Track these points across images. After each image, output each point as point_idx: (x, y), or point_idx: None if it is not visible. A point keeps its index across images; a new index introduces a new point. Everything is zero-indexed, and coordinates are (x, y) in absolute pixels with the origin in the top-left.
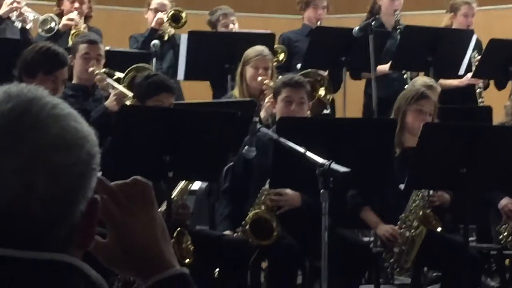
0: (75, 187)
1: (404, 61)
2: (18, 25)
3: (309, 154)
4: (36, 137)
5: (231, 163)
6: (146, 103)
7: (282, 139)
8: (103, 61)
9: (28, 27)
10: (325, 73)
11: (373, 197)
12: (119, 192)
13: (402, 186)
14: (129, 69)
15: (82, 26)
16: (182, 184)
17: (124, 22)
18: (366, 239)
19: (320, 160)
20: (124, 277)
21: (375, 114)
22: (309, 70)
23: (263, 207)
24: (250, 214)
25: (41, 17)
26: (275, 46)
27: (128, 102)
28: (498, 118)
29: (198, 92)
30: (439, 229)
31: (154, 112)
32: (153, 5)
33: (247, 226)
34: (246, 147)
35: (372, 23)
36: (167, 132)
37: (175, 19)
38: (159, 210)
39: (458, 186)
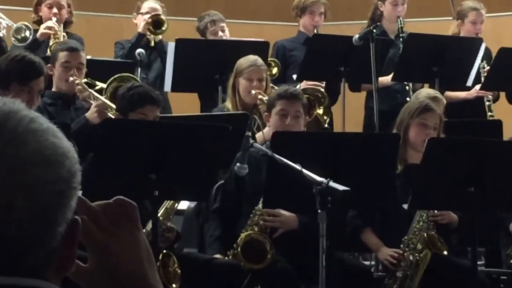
0: (55, 206)
1: (408, 72)
2: None
3: (305, 171)
4: (13, 153)
5: (222, 181)
6: (129, 116)
7: (276, 155)
8: (84, 70)
9: (0, 34)
10: (323, 85)
11: (374, 218)
12: (101, 213)
13: (405, 206)
14: (111, 78)
15: (61, 35)
16: (168, 203)
17: (106, 29)
18: (366, 263)
19: (317, 178)
20: None
21: (376, 128)
22: (308, 86)
23: (256, 229)
24: (242, 235)
25: (15, 25)
26: (269, 59)
27: (110, 115)
28: (508, 132)
29: (186, 104)
30: (445, 252)
31: (138, 126)
32: (143, 9)
33: (239, 249)
34: (238, 164)
35: (374, 31)
36: (152, 148)
37: (156, 25)
38: (143, 230)
39: (466, 206)
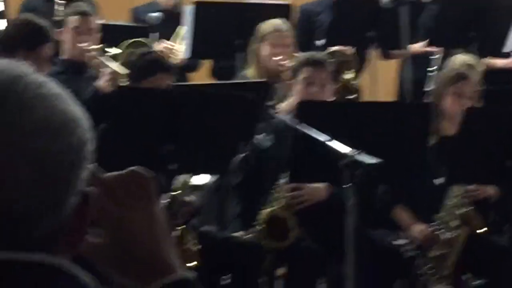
0: (64, 177)
1: (443, 37)
2: None
3: (332, 143)
4: (20, 120)
5: (243, 154)
6: (142, 85)
7: (301, 126)
8: (97, 35)
9: None
10: (352, 51)
11: (405, 193)
12: (114, 185)
13: (438, 181)
14: (125, 44)
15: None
16: (183, 177)
17: None
18: (398, 242)
19: (345, 149)
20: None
21: (408, 98)
22: (334, 49)
23: (279, 205)
24: (265, 212)
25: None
26: None
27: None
28: None
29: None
30: (482, 230)
31: (152, 95)
32: None
33: (261, 226)
34: (260, 135)
35: None
36: (168, 118)
37: None
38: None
39: (504, 180)
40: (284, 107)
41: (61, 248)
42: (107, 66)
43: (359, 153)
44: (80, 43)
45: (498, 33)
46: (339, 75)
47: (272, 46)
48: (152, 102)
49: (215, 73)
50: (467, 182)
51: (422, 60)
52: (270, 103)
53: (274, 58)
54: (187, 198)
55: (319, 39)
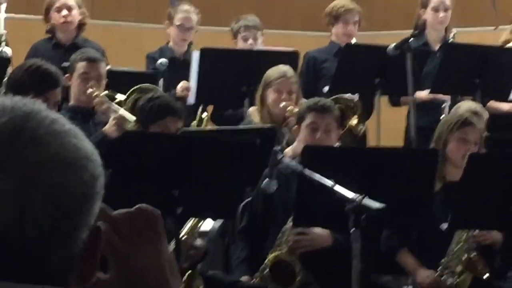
0: (77, 211)
1: (447, 84)
2: None
3: (338, 187)
4: (33, 155)
5: (249, 199)
6: (150, 129)
7: (307, 171)
8: (104, 81)
9: None
10: (356, 98)
11: (411, 238)
12: (123, 222)
13: (444, 226)
14: (131, 90)
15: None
16: (191, 222)
17: (124, 38)
18: (403, 287)
19: (350, 194)
20: None
21: (414, 144)
22: (340, 95)
23: (284, 249)
24: (270, 256)
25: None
26: None
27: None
28: None
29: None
30: (486, 275)
31: (160, 139)
32: (177, 21)
33: (267, 271)
34: (266, 180)
35: (410, 40)
36: (175, 163)
37: None
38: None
39: (509, 226)
40: (290, 152)
41: (73, 282)
42: (114, 111)
43: (364, 197)
44: (88, 89)
45: (503, 80)
46: (344, 121)
47: (278, 92)
48: (160, 146)
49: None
50: (471, 227)
51: (428, 107)
52: (276, 148)
53: (280, 104)
54: (194, 242)
55: (324, 86)
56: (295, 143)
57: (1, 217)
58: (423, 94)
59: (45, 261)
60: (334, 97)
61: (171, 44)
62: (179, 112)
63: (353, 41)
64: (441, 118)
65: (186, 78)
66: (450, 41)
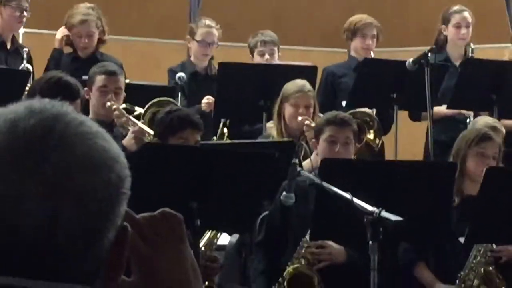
0: (104, 213)
1: (464, 99)
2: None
3: (356, 200)
4: (62, 157)
5: (266, 212)
6: (169, 141)
7: (325, 184)
8: (122, 95)
9: None
10: (373, 113)
11: (428, 252)
12: (146, 225)
13: (462, 240)
14: (149, 103)
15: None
16: (209, 234)
17: (143, 54)
18: None
19: (368, 207)
20: None
21: (432, 159)
22: (357, 110)
23: (303, 262)
24: (288, 269)
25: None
26: None
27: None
28: None
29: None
30: None
31: (179, 152)
32: (199, 36)
33: (285, 283)
34: (284, 193)
35: (429, 54)
36: (194, 175)
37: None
38: None
39: None
40: (308, 165)
41: (101, 283)
42: (133, 124)
43: (382, 210)
44: (107, 102)
45: None
46: (361, 135)
47: (295, 106)
48: (179, 159)
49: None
50: (489, 242)
51: (448, 122)
52: (294, 161)
53: (299, 118)
54: (212, 254)
55: (342, 101)
56: (313, 156)
57: (30, 220)
58: (443, 109)
59: (72, 262)
60: (351, 111)
61: (192, 58)
62: (198, 124)
63: (371, 56)
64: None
65: (208, 92)
66: (470, 56)
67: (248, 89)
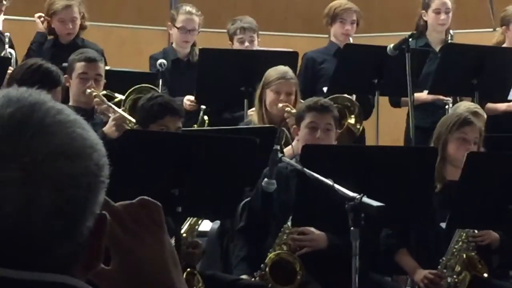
0: (82, 200)
1: (445, 84)
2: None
3: (337, 186)
4: (40, 145)
5: (248, 199)
6: (150, 128)
7: (306, 170)
8: (102, 82)
9: None
10: (354, 98)
11: (410, 237)
12: (125, 213)
13: (443, 225)
14: (130, 90)
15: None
16: (191, 220)
17: (124, 40)
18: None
19: (350, 193)
20: None
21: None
22: (338, 95)
23: (284, 248)
24: (270, 255)
25: None
26: None
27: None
28: None
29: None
30: (485, 274)
31: (160, 138)
32: (179, 23)
33: (267, 269)
34: (265, 179)
35: (410, 40)
36: (175, 162)
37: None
38: None
39: (508, 224)
40: (289, 151)
41: (79, 270)
42: (114, 112)
43: (364, 196)
44: (87, 89)
45: (500, 81)
46: (343, 120)
47: (276, 92)
48: (160, 145)
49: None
50: (470, 227)
51: (428, 108)
52: (275, 147)
53: (279, 104)
54: (194, 240)
55: (323, 87)
56: (294, 143)
57: (7, 207)
58: (424, 95)
59: (51, 249)
60: (331, 96)
61: (174, 45)
62: (179, 111)
63: (350, 41)
64: None
65: (190, 79)
66: (449, 41)
67: (229, 75)
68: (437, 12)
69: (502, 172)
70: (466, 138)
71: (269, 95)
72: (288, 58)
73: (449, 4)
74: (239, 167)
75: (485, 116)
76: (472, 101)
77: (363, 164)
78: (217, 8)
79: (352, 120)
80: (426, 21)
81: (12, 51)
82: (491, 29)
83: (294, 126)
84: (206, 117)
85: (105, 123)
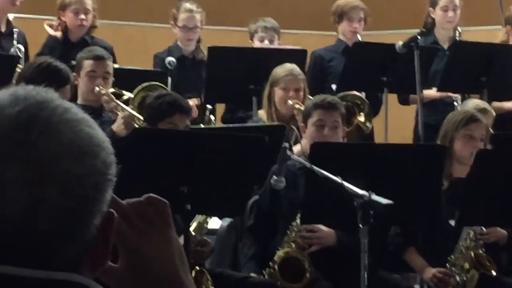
0: (90, 199)
1: (454, 82)
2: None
3: (346, 184)
4: (47, 144)
5: (256, 196)
6: (158, 127)
7: (315, 168)
8: (111, 79)
9: None
10: (363, 95)
11: (418, 235)
12: (132, 211)
13: (452, 222)
14: (138, 88)
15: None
16: (199, 218)
17: (131, 38)
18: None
19: (359, 191)
20: None
21: (421, 142)
22: (347, 93)
23: (293, 246)
24: (279, 253)
25: None
26: None
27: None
28: None
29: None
30: (494, 272)
31: (169, 136)
32: (181, 21)
33: (276, 267)
34: (274, 177)
35: (418, 37)
36: (184, 160)
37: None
38: None
39: None
40: (297, 149)
41: (86, 268)
42: (123, 109)
43: (372, 194)
44: (95, 87)
45: (509, 78)
46: (352, 117)
47: (285, 90)
48: (169, 143)
49: (226, 120)
50: (478, 224)
51: (437, 105)
52: (284, 144)
53: (289, 101)
54: (202, 238)
55: (332, 84)
56: (303, 142)
57: (15, 207)
58: (432, 92)
59: (59, 248)
60: (341, 94)
61: (179, 43)
62: (187, 109)
63: (358, 38)
64: None
65: (196, 76)
66: (457, 39)
67: (238, 73)
68: (445, 9)
69: (510, 169)
70: (472, 135)
71: (278, 93)
72: (297, 56)
73: (457, 1)
74: (247, 165)
75: (494, 113)
76: (481, 98)
77: (371, 161)
78: (226, 6)
79: (361, 118)
80: (434, 19)
81: (21, 47)
82: (500, 26)
83: (302, 124)
84: (212, 117)
85: (114, 121)
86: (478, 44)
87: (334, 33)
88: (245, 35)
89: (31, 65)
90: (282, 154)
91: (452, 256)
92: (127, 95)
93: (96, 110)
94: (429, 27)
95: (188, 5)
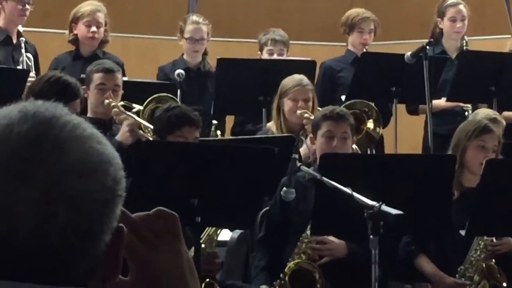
0: (100, 216)
1: (463, 92)
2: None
3: (356, 195)
4: (56, 161)
5: (266, 208)
6: (167, 139)
7: (325, 179)
8: (120, 92)
9: None
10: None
11: (429, 245)
12: (142, 225)
13: (463, 232)
14: (148, 100)
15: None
16: (209, 230)
17: (140, 51)
18: None
19: (369, 201)
20: None
21: (431, 152)
22: (355, 100)
23: (303, 257)
24: (289, 264)
25: None
26: None
27: (146, 136)
28: None
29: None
30: (504, 284)
31: (178, 149)
32: (187, 33)
33: (286, 278)
34: (284, 188)
35: (427, 47)
36: (194, 172)
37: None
38: None
39: None
40: (304, 151)
41: (97, 282)
42: (132, 120)
43: (382, 204)
44: (105, 100)
45: None
46: (361, 125)
47: (294, 100)
48: (179, 155)
49: (235, 133)
50: (489, 234)
51: (446, 115)
52: (294, 156)
53: (298, 111)
54: (212, 250)
55: (341, 95)
56: (307, 144)
57: (25, 226)
58: (442, 102)
59: (69, 264)
60: (348, 102)
61: (185, 56)
62: (196, 121)
63: (365, 49)
64: None
65: (201, 88)
66: (465, 48)
67: (247, 84)
68: (453, 20)
69: None
70: (485, 146)
71: (287, 104)
72: (306, 67)
73: (465, 12)
74: (257, 176)
75: (504, 123)
76: (490, 108)
77: (381, 172)
78: (234, 18)
79: (370, 125)
80: (441, 29)
81: (30, 55)
82: (508, 36)
83: (311, 135)
84: (219, 132)
85: None
86: (486, 54)
87: (342, 44)
88: (254, 47)
89: (40, 79)
90: (292, 165)
91: (462, 267)
92: (136, 107)
93: (106, 123)
94: (436, 38)
95: (195, 17)
